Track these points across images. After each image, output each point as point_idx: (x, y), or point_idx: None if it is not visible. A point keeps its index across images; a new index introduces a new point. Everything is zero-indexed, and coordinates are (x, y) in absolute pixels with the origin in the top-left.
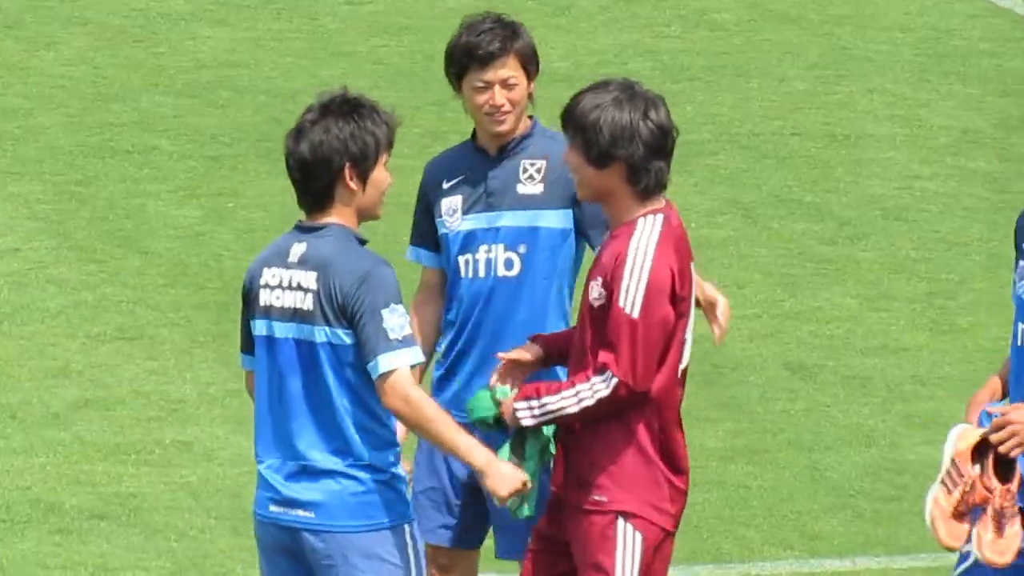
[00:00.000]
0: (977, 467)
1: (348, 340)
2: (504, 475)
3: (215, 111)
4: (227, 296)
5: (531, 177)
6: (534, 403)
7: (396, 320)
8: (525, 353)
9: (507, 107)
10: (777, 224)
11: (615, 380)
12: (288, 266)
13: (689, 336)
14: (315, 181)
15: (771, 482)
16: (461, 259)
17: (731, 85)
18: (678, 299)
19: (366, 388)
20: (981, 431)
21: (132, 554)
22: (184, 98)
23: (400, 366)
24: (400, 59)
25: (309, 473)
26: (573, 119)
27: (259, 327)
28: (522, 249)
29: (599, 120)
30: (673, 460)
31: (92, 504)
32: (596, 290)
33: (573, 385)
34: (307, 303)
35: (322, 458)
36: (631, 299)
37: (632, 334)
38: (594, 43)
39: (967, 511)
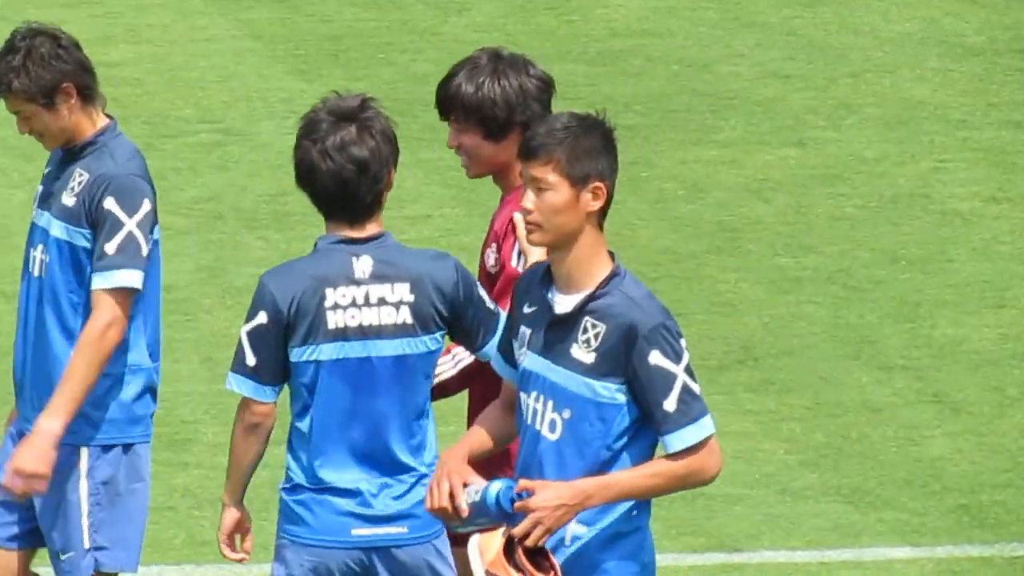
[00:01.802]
0: (513, 570)
1: (438, 345)
2: None
3: (628, 80)
4: (638, 267)
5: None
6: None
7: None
8: None
9: None
10: None
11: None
12: (359, 283)
13: None
14: (373, 188)
15: None
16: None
17: None
18: None
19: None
20: (501, 534)
21: None
22: (597, 66)
23: None
24: (814, 30)
25: (401, 484)
26: (460, 103)
27: (326, 351)
28: None
29: (490, 94)
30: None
31: None
32: (492, 257)
33: (449, 351)
34: (402, 316)
35: (415, 465)
36: (523, 258)
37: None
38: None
39: None
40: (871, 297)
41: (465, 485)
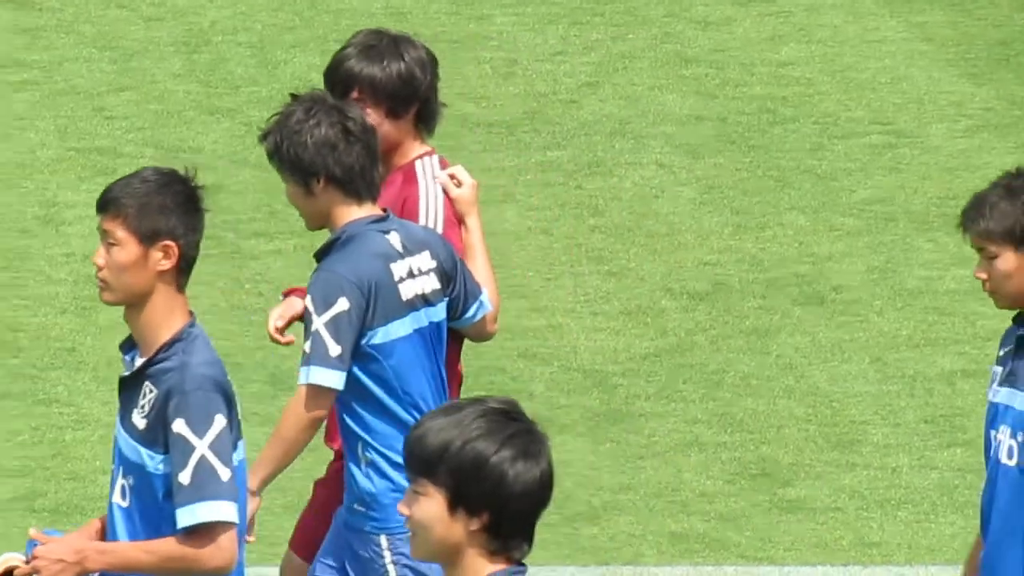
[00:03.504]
0: None
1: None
2: None
3: None
4: None
5: None
6: None
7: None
8: (292, 308)
9: None
10: None
11: None
12: (402, 256)
13: None
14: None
15: None
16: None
17: None
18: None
19: None
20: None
21: None
22: None
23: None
24: None
25: None
26: (365, 80)
27: (405, 325)
28: None
29: (393, 72)
30: None
31: None
32: None
33: None
34: (435, 282)
35: None
36: None
37: None
38: None
39: None
40: None
41: None
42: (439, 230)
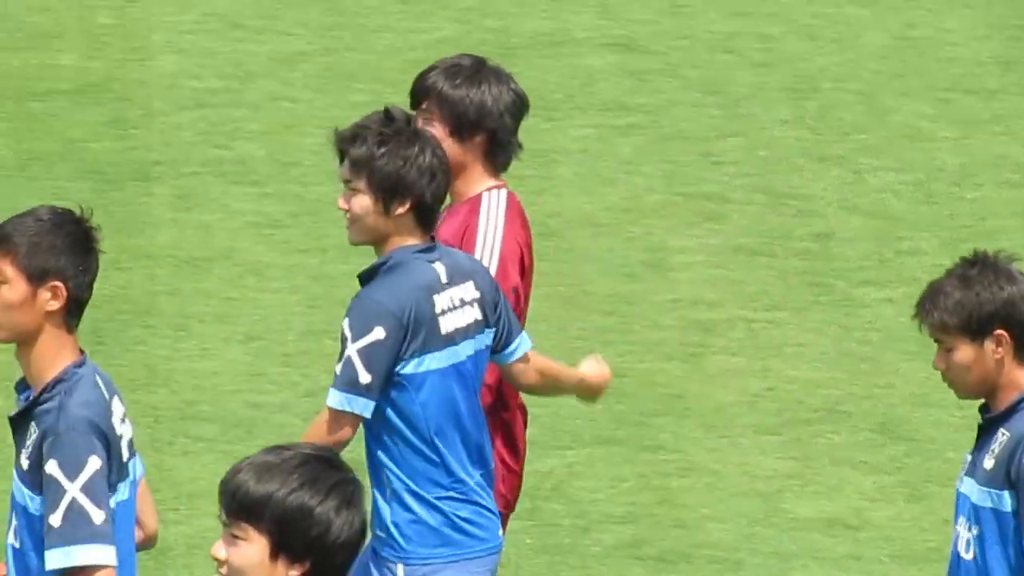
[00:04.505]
0: None
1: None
2: None
3: None
4: None
5: None
6: None
7: None
8: None
9: None
10: None
11: None
12: (446, 287)
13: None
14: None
15: None
16: None
17: None
18: (524, 271)
19: None
20: None
21: None
22: None
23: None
24: None
25: (491, 478)
26: (435, 93)
27: (440, 359)
28: None
29: (466, 94)
30: (511, 440)
31: None
32: None
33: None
34: (476, 313)
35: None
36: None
37: None
38: None
39: None
40: None
41: None
42: (493, 266)
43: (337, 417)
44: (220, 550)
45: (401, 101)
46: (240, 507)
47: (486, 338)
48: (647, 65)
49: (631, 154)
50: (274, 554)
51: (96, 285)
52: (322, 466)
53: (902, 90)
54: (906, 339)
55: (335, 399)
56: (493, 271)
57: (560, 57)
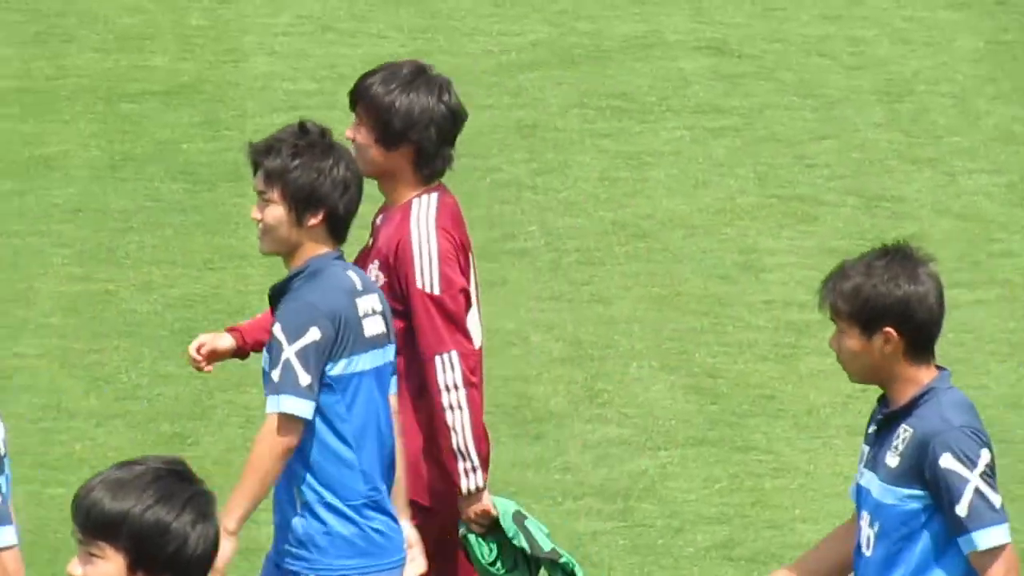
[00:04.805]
0: None
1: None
2: None
3: None
4: None
5: None
6: (462, 464)
7: None
8: (220, 341)
9: None
10: None
11: (454, 354)
12: (361, 295)
13: (476, 313)
14: None
15: None
16: None
17: None
18: (464, 270)
19: None
20: None
21: None
22: None
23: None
24: None
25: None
26: (367, 98)
27: (366, 361)
28: None
29: (393, 103)
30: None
31: None
32: (373, 273)
33: (440, 406)
34: (382, 325)
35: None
36: (428, 277)
37: (441, 310)
38: None
39: None
40: None
41: None
42: (435, 268)
43: (285, 422)
44: (76, 568)
45: (494, 104)
46: (95, 525)
47: (390, 352)
48: (740, 68)
49: (724, 156)
50: (132, 570)
51: (189, 285)
52: (175, 480)
53: (994, 93)
54: (998, 341)
55: (283, 404)
56: (436, 282)
57: (652, 60)
